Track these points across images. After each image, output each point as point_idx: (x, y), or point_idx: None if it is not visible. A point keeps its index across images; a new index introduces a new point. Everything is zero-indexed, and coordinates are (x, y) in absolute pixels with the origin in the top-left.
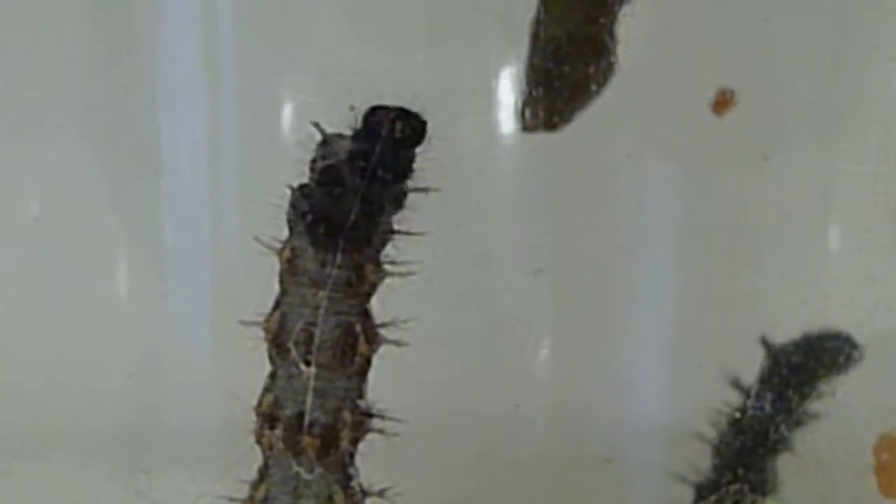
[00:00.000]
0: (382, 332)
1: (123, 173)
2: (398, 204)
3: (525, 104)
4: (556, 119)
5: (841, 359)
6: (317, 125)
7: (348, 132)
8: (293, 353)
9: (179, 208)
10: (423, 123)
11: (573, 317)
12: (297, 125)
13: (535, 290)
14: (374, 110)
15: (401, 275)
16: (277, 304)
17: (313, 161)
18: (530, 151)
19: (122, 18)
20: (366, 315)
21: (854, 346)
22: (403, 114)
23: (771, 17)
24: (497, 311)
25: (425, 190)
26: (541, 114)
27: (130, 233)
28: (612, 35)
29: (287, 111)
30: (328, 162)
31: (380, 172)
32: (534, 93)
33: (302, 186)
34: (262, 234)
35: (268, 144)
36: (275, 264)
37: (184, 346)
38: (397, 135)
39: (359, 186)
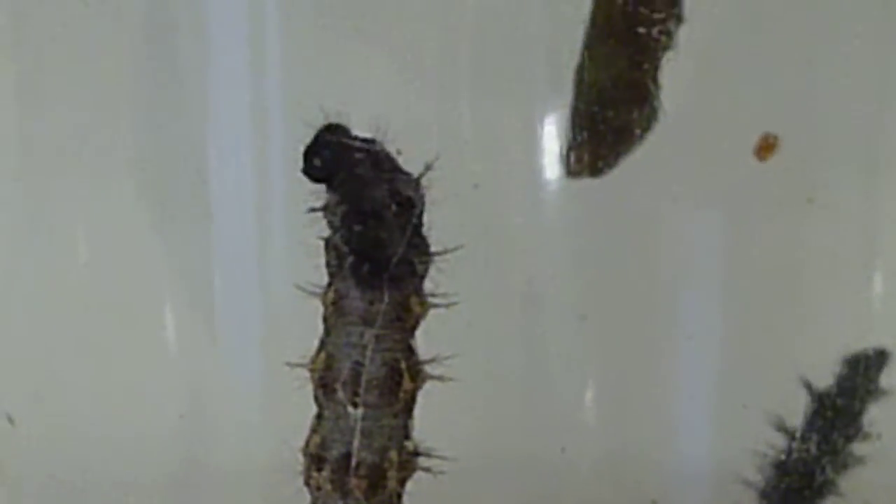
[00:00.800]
0: (426, 368)
1: (173, 219)
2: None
3: (569, 149)
4: (600, 164)
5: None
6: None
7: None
8: (340, 393)
9: (228, 254)
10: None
11: (618, 361)
12: None
13: (581, 335)
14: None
15: (444, 306)
16: (323, 345)
17: (330, 223)
18: (575, 196)
19: (171, 67)
20: (409, 351)
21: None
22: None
23: (813, 60)
24: (543, 355)
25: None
26: (585, 159)
27: (180, 277)
28: (655, 80)
29: None
30: (349, 206)
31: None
32: (578, 138)
33: (333, 234)
34: (310, 279)
35: (315, 191)
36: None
37: (233, 388)
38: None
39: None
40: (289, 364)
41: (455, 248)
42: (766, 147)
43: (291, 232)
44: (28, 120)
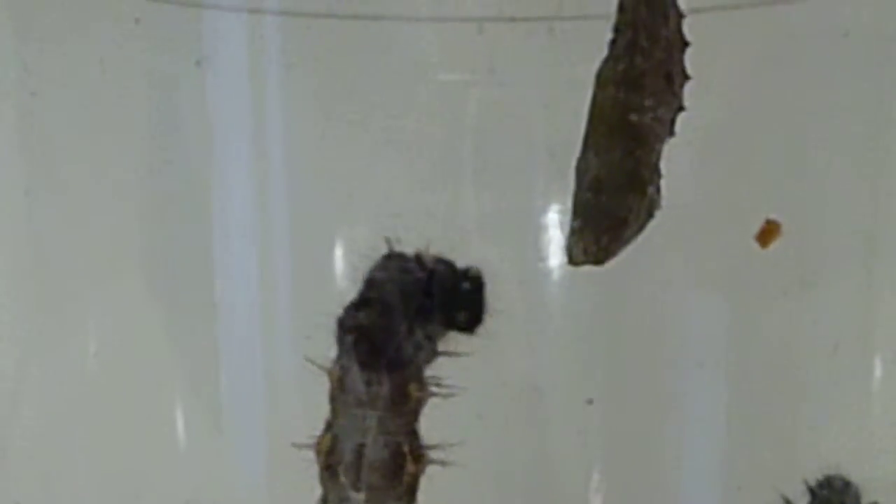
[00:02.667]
0: (430, 453)
1: (180, 313)
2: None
3: (570, 238)
4: (601, 252)
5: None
6: (388, 240)
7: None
8: (342, 477)
9: (233, 346)
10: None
11: (625, 444)
12: (349, 265)
13: (587, 419)
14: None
15: (443, 395)
16: (329, 427)
17: (366, 279)
18: (578, 283)
19: (178, 165)
20: (413, 435)
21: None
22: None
23: (812, 148)
24: (549, 440)
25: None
26: (585, 246)
27: (186, 368)
28: (651, 168)
29: (339, 251)
30: (372, 279)
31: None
32: (575, 224)
33: (348, 306)
34: (314, 373)
35: (320, 283)
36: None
37: (238, 477)
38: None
39: (400, 307)
40: (295, 445)
41: (462, 352)
42: (768, 233)
43: (296, 325)
44: (38, 215)
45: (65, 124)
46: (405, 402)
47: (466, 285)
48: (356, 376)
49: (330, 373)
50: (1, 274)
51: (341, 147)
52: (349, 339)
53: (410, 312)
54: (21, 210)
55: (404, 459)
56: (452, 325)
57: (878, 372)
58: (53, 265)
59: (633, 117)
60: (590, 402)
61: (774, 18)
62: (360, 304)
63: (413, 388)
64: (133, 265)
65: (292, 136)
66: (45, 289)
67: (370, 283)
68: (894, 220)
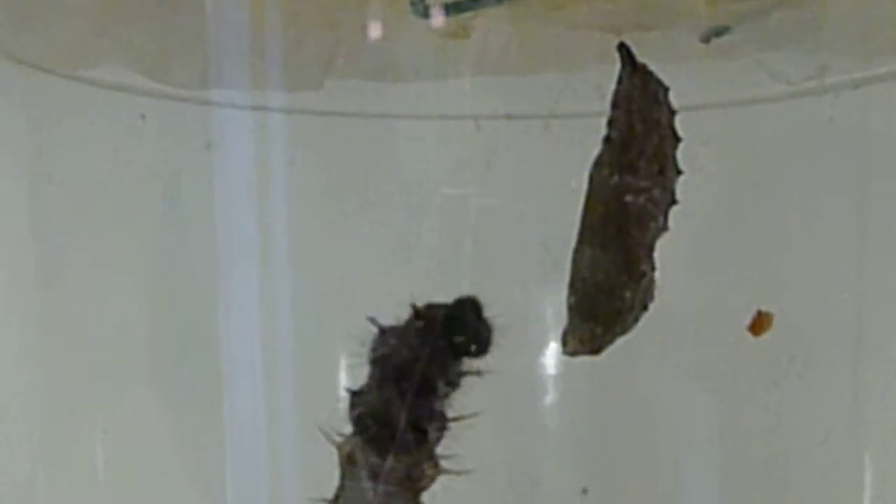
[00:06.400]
0: None
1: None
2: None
3: (566, 328)
4: (595, 343)
5: None
6: (372, 319)
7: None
8: None
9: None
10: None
11: None
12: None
13: None
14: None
15: (456, 473)
16: (336, 499)
17: (371, 357)
18: (573, 373)
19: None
20: None
21: None
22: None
23: (800, 235)
24: None
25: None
26: (580, 337)
27: (193, 476)
28: (646, 250)
29: (342, 347)
30: (383, 361)
31: (432, 373)
32: (571, 315)
33: (358, 390)
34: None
35: (324, 377)
36: None
37: None
38: (451, 342)
39: (411, 388)
40: None
41: (472, 415)
42: (760, 324)
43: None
44: (49, 308)
45: (77, 211)
46: (418, 479)
47: (466, 316)
48: (368, 456)
49: (340, 448)
50: (15, 380)
51: (342, 242)
52: (360, 423)
53: (414, 388)
54: (32, 302)
55: None
56: (467, 354)
57: (868, 462)
58: (64, 368)
59: (629, 198)
60: (584, 491)
61: (763, 111)
62: (369, 386)
63: (427, 466)
64: (139, 364)
65: (294, 230)
66: (56, 394)
67: (375, 364)
68: (882, 307)
